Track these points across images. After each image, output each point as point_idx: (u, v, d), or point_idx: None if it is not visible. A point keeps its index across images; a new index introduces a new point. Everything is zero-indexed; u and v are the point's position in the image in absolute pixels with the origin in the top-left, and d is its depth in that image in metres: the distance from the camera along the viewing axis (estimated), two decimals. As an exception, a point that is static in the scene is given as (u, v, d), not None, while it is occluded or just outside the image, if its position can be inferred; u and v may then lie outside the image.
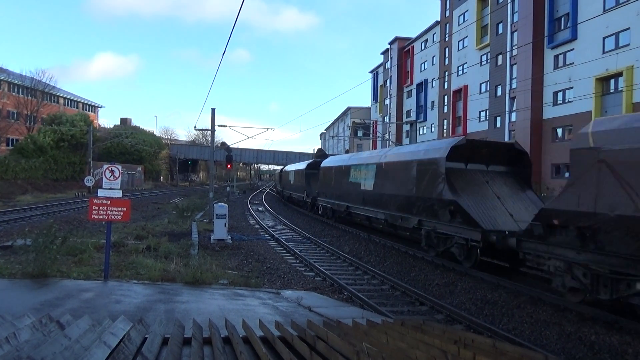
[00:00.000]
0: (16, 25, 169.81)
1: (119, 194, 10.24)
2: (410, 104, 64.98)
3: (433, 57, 58.30)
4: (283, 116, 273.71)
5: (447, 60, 54.58)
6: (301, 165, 40.54)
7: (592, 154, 9.15)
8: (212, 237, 18.12)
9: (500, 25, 43.23)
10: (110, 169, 10.33)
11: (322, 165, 30.70)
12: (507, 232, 12.18)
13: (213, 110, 26.96)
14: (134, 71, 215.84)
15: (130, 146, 66.47)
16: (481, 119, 46.26)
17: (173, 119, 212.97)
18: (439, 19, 56.91)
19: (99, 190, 10.21)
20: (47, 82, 58.60)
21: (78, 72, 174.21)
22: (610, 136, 8.92)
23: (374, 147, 69.48)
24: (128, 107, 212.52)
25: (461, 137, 15.00)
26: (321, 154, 48.92)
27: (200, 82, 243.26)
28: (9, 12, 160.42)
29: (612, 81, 30.63)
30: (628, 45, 28.79)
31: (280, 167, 69.27)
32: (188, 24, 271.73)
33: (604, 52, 30.77)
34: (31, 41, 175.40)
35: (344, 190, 24.85)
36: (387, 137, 60.40)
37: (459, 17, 51.58)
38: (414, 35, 64.16)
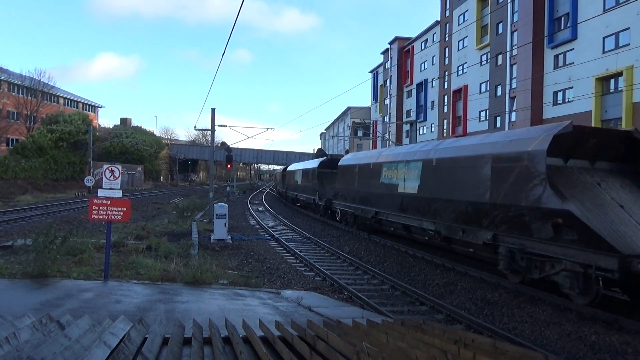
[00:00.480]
0: (18, 25, 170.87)
1: (119, 194, 10.24)
2: (410, 103, 65.00)
3: (433, 57, 58.31)
4: (283, 116, 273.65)
5: (447, 60, 54.59)
6: (312, 164, 35.73)
7: None
8: (212, 237, 18.12)
9: (500, 25, 43.23)
10: (110, 169, 10.33)
11: (340, 163, 26.60)
12: None
13: (213, 110, 26.98)
14: (135, 71, 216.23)
15: (130, 146, 66.49)
16: (481, 119, 46.27)
17: (173, 119, 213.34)
18: (439, 19, 56.93)
19: (99, 190, 10.22)
20: (47, 82, 58.66)
21: (79, 72, 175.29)
22: None
23: (374, 147, 69.46)
24: (128, 107, 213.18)
25: (566, 123, 10.87)
26: (321, 154, 48.84)
27: (201, 82, 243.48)
28: (10, 12, 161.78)
29: (612, 81, 30.62)
30: (628, 45, 28.78)
31: (281, 166, 68.89)
32: (189, 24, 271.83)
33: (604, 52, 30.77)
34: (33, 42, 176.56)
35: (372, 193, 20.77)
36: (387, 137, 60.41)
37: (459, 17, 51.59)
38: (414, 35, 64.19)
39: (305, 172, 36.73)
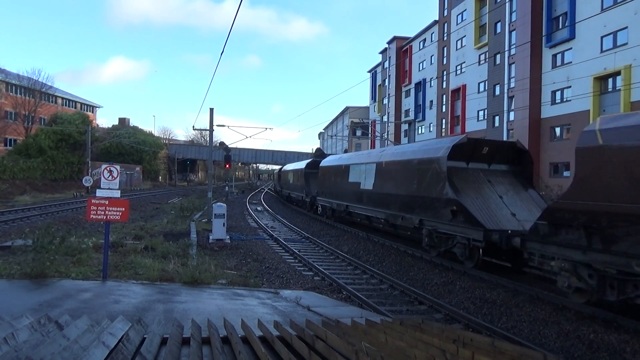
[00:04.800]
0: (31, 29, 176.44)
1: (117, 194, 10.23)
2: (408, 103, 65.00)
3: (431, 57, 58.31)
4: (285, 117, 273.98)
5: (445, 59, 54.59)
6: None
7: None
8: (210, 237, 18.10)
9: (499, 25, 43.25)
10: (108, 169, 10.32)
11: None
12: None
13: (211, 110, 26.98)
14: (145, 75, 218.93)
15: (129, 146, 66.36)
16: (479, 119, 46.29)
17: (172, 119, 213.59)
18: (437, 19, 56.93)
19: (97, 190, 10.21)
20: (45, 82, 58.50)
21: (90, 76, 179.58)
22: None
23: (372, 146, 69.44)
24: (130, 107, 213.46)
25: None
26: (320, 153, 48.83)
27: (212, 86, 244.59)
28: (24, 16, 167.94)
29: (610, 80, 30.66)
30: (626, 44, 28.81)
31: (280, 166, 68.35)
32: (201, 30, 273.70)
33: (602, 51, 30.80)
34: (46, 45, 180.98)
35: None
36: (386, 136, 60.41)
37: (457, 16, 51.59)
38: (412, 35, 64.17)
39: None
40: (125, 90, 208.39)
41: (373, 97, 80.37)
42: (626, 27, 28.96)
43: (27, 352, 3.94)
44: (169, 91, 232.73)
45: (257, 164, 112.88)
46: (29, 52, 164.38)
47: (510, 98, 40.44)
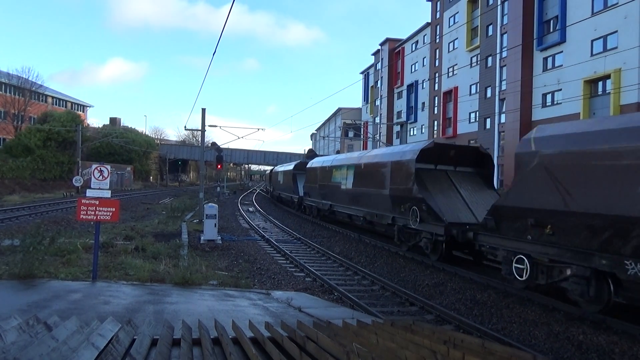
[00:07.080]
0: (33, 31, 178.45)
1: (107, 194, 10.16)
2: (400, 105, 65.21)
3: (423, 59, 58.56)
4: (279, 118, 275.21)
5: (437, 61, 54.85)
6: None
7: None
8: (202, 238, 18.02)
9: (490, 27, 43.54)
10: (99, 168, 10.24)
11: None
12: None
13: (203, 110, 26.90)
14: (142, 76, 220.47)
15: (119, 146, 65.92)
16: (471, 120, 46.55)
17: (168, 120, 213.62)
18: (429, 21, 57.19)
19: (87, 190, 10.13)
20: (34, 80, 57.98)
21: (88, 76, 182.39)
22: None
23: (365, 147, 69.55)
24: (126, 108, 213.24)
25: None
26: (312, 154, 48.92)
27: (206, 87, 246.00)
28: (28, 19, 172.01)
29: (600, 83, 30.97)
30: (616, 48, 29.11)
31: (272, 167, 68.06)
32: (201, 35, 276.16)
33: (592, 55, 31.10)
34: (47, 46, 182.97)
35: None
36: (378, 137, 60.55)
37: (449, 18, 51.87)
38: (405, 37, 64.40)
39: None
40: (121, 91, 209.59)
41: (365, 99, 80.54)
42: (616, 31, 29.26)
43: (15, 354, 3.89)
44: (165, 92, 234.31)
45: (249, 165, 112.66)
46: (29, 51, 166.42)
47: (502, 100, 40.71)
